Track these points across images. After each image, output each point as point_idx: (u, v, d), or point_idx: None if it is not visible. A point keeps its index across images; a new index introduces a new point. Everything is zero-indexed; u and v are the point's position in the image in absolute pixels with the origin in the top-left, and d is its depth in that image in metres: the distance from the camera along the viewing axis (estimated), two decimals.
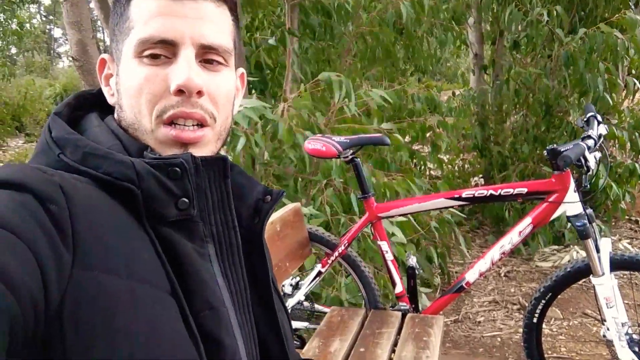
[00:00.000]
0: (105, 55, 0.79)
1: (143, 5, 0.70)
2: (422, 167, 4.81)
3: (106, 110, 0.78)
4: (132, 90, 0.70)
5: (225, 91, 0.75)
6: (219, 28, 0.73)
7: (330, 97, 3.17)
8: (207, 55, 0.72)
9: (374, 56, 4.20)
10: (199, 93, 0.70)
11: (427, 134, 4.02)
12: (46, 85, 16.79)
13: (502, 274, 3.97)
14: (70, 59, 3.44)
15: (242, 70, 0.86)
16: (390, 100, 3.11)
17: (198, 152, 0.71)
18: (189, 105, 0.70)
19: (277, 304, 0.82)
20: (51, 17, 35.09)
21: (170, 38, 0.69)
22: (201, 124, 0.72)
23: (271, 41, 3.95)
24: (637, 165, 4.35)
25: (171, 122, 0.70)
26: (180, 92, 0.69)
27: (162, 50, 0.69)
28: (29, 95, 13.17)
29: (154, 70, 0.69)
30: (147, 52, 0.69)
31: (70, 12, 3.32)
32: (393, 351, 1.93)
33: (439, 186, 3.70)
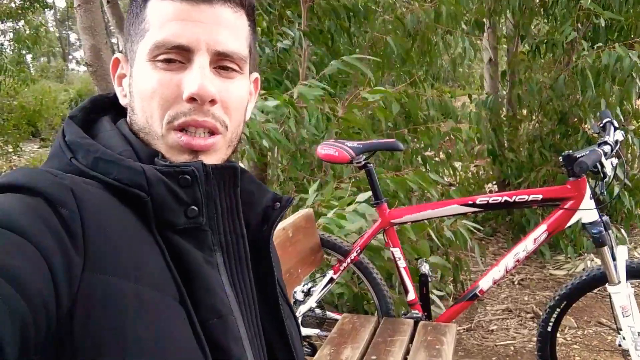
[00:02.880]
0: (119, 55, 0.79)
1: (160, 8, 0.70)
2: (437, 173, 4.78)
3: (120, 113, 0.78)
4: (144, 94, 0.70)
5: (238, 99, 0.74)
6: (235, 35, 0.72)
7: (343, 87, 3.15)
8: (221, 62, 0.71)
9: (389, 62, 4.18)
10: (212, 101, 0.69)
11: (440, 142, 4.00)
12: (61, 90, 16.98)
13: (516, 282, 3.93)
14: (84, 63, 3.44)
15: (256, 74, 0.85)
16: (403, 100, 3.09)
17: (209, 159, 0.71)
18: (201, 113, 0.69)
19: (285, 311, 0.81)
20: (66, 23, 35.48)
21: (186, 44, 0.68)
22: (212, 132, 0.71)
23: (287, 42, 3.95)
24: None
25: (182, 129, 0.70)
26: (192, 99, 0.68)
27: (176, 56, 0.69)
28: (44, 101, 13.31)
29: (168, 75, 0.69)
30: (161, 57, 0.69)
31: (84, 17, 3.34)
32: (405, 359, 1.91)
33: (451, 194, 3.68)
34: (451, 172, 4.68)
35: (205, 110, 0.69)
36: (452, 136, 3.91)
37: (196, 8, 0.69)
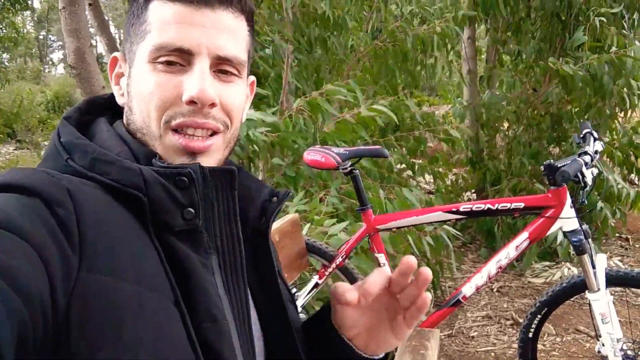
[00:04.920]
0: (117, 54, 0.79)
1: (161, 10, 0.70)
2: (419, 178, 4.83)
3: (116, 115, 0.78)
4: (143, 95, 0.71)
5: (237, 102, 0.75)
6: (236, 40, 0.73)
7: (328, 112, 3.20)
8: (221, 66, 0.72)
9: (374, 75, 4.25)
10: (212, 105, 0.70)
11: (422, 148, 4.06)
12: (38, 91, 16.74)
13: (495, 289, 3.98)
14: (68, 66, 3.41)
15: (252, 78, 0.86)
16: (392, 115, 3.14)
17: (207, 160, 0.72)
18: (200, 115, 0.70)
19: (287, 302, 0.82)
20: (44, 24, 35.00)
21: (187, 47, 0.69)
22: (213, 132, 0.72)
23: (268, 51, 3.96)
24: (625, 186, 4.39)
25: (178, 129, 0.70)
26: (192, 102, 0.69)
27: (177, 58, 0.70)
28: (22, 103, 13.13)
29: (167, 77, 0.70)
30: (162, 59, 0.70)
31: (69, 20, 3.32)
32: None
33: (433, 201, 3.72)
34: (435, 177, 4.73)
35: (205, 112, 0.70)
36: (439, 142, 3.98)
37: (198, 12, 0.70)
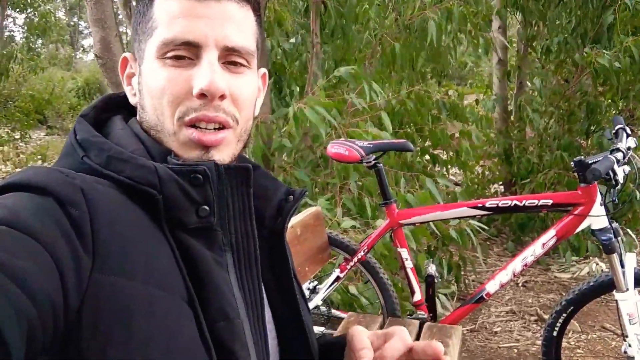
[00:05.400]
0: (127, 54, 0.79)
1: (166, 6, 0.70)
2: (445, 171, 4.78)
3: (132, 113, 0.78)
4: (154, 91, 0.70)
5: (248, 93, 0.74)
6: (243, 29, 0.72)
7: (347, 94, 3.16)
8: (230, 57, 0.72)
9: (394, 62, 4.16)
10: (222, 97, 0.69)
11: (449, 141, 3.99)
12: (69, 78, 17.01)
13: (520, 284, 3.92)
14: (94, 55, 3.43)
15: (263, 70, 0.86)
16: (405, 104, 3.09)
17: (220, 154, 0.71)
18: (211, 109, 0.69)
19: (301, 303, 0.82)
20: (75, 11, 35.47)
21: (194, 40, 0.68)
22: (222, 126, 0.71)
23: (292, 41, 3.94)
24: None
25: (193, 124, 0.70)
26: (202, 95, 0.68)
27: (185, 52, 0.69)
28: (53, 90, 13.35)
29: (177, 72, 0.69)
30: (170, 54, 0.69)
31: (94, 9, 3.33)
32: None
33: (458, 195, 3.68)
34: (460, 170, 4.67)
35: (215, 105, 0.69)
36: (460, 137, 3.91)
37: (203, 4, 0.69)
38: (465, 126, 4.06)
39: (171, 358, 0.57)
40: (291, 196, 0.80)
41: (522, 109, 5.01)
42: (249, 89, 0.75)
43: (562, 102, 4.76)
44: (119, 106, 0.79)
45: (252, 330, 0.70)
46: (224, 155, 0.72)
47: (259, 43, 0.78)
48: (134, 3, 4.20)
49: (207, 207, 0.66)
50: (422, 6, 3.93)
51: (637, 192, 3.96)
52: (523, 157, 4.96)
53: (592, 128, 4.79)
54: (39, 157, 8.71)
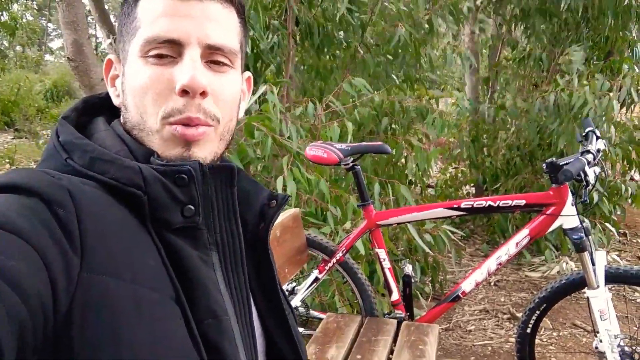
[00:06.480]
0: (112, 56, 0.79)
1: (150, 6, 0.70)
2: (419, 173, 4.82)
3: (114, 114, 0.78)
4: (137, 90, 0.70)
5: (230, 92, 0.75)
6: (225, 29, 0.73)
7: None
8: (213, 56, 0.72)
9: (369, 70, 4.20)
10: (203, 94, 0.70)
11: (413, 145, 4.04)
12: (36, 80, 16.64)
13: (492, 283, 4.00)
14: (66, 58, 3.39)
15: (248, 74, 0.86)
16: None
17: (200, 151, 0.71)
18: (193, 108, 0.69)
19: (286, 307, 0.83)
20: (45, 12, 34.81)
21: (176, 38, 0.69)
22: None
23: (268, 43, 3.92)
24: (623, 184, 4.40)
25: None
26: (184, 92, 0.68)
27: (167, 50, 0.69)
28: (21, 91, 13.05)
29: (159, 70, 0.69)
30: (152, 52, 0.69)
31: (66, 12, 3.29)
32: (389, 359, 1.94)
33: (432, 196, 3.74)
34: (432, 170, 4.73)
35: (196, 104, 0.70)
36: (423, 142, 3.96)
37: (186, 4, 0.70)
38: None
39: (160, 356, 0.57)
40: (274, 201, 0.81)
41: (497, 112, 5.09)
42: (231, 88, 0.75)
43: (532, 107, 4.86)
44: (101, 108, 0.79)
45: (240, 327, 0.71)
46: (205, 152, 0.72)
47: (243, 45, 0.78)
48: (106, 6, 4.16)
49: (192, 207, 0.66)
50: (397, 16, 3.98)
51: (595, 195, 4.08)
52: (488, 162, 5.05)
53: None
54: (7, 160, 8.50)
